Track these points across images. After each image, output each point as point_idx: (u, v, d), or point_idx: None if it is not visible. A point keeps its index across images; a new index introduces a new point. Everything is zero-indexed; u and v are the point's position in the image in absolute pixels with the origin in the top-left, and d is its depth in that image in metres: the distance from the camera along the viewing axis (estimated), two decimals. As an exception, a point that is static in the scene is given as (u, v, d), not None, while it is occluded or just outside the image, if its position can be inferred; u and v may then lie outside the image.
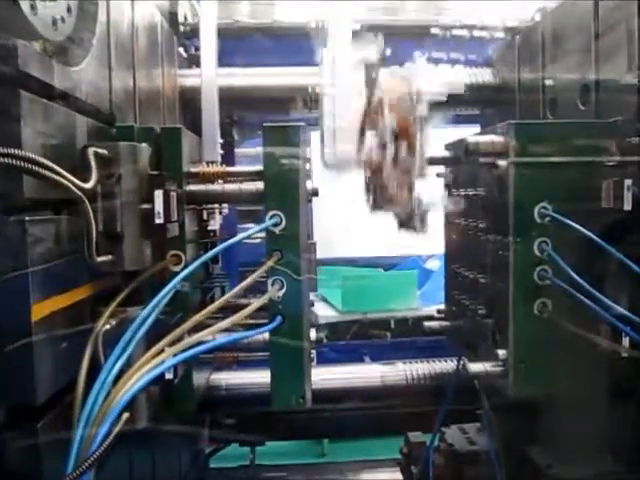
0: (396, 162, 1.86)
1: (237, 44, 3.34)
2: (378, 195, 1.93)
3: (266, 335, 1.77)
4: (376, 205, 1.99)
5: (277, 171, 1.69)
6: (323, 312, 5.22)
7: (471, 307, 2.11)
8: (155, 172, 1.56)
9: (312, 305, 2.00)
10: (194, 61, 3.24)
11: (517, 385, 1.79)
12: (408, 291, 5.33)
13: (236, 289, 1.56)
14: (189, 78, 2.90)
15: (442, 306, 2.57)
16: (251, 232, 1.68)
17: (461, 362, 2.30)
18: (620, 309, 1.59)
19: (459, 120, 3.57)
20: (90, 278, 1.45)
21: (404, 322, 5.31)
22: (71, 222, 1.34)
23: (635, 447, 1.84)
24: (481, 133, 2.25)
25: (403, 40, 3.55)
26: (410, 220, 1.92)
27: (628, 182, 1.65)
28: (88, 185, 1.23)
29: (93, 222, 1.25)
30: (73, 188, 1.16)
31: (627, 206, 1.64)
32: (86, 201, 1.22)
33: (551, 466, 1.93)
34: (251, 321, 1.79)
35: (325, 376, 2.54)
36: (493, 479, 2.11)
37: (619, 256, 1.59)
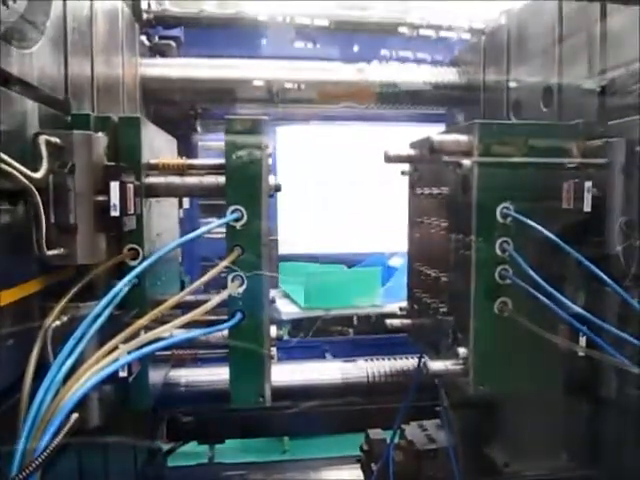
0: None
1: (201, 35, 3.29)
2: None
3: (226, 332, 1.73)
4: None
5: (239, 164, 1.65)
6: (286, 308, 5.19)
7: (433, 305, 2.11)
8: (111, 163, 1.50)
9: (273, 302, 1.97)
10: (158, 50, 3.17)
11: (477, 383, 1.79)
12: (371, 288, 5.33)
13: (194, 285, 1.52)
14: (151, 68, 2.83)
15: (405, 303, 2.57)
16: (211, 227, 1.64)
17: (422, 360, 2.31)
18: (578, 309, 1.61)
19: (424, 118, 3.58)
20: (41, 272, 1.39)
21: (367, 319, 5.32)
22: (22, 213, 1.27)
23: (591, 444, 1.88)
24: (446, 131, 2.26)
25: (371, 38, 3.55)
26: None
27: (588, 184, 1.66)
28: (38, 175, 1.17)
29: (43, 213, 1.19)
30: (20, 177, 1.10)
31: (587, 207, 1.66)
32: (35, 191, 1.16)
33: (508, 464, 1.95)
34: (212, 317, 1.75)
35: (285, 373, 2.51)
36: (451, 476, 2.12)
37: (578, 257, 1.61)
